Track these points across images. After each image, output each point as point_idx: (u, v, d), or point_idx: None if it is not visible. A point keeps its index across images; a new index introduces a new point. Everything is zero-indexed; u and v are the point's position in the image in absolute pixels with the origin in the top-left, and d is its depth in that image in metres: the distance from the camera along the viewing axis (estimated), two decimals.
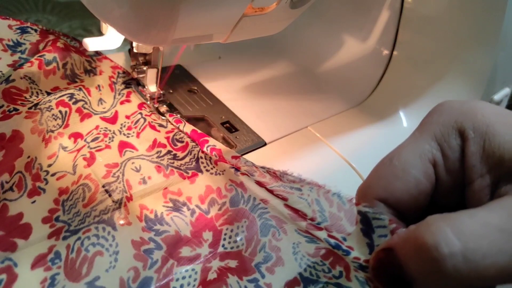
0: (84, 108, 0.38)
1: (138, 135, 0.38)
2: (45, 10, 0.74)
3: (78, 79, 0.41)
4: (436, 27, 0.49)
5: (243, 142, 0.41)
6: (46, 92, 0.38)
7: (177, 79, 0.49)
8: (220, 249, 0.30)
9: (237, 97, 0.49)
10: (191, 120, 0.43)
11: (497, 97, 0.55)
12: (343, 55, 0.57)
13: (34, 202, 0.31)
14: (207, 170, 0.34)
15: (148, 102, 0.42)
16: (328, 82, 0.56)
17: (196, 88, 0.48)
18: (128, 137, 0.38)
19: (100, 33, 0.40)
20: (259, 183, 0.31)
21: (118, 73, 0.43)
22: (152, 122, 0.39)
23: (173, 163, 0.36)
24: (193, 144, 0.37)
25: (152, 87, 0.43)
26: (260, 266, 0.28)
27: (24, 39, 0.40)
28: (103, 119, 0.39)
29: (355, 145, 0.46)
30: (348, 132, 0.48)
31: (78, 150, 0.35)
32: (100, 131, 0.37)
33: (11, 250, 0.27)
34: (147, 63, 0.42)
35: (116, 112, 0.40)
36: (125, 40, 0.40)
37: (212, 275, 0.28)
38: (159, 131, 0.39)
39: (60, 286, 0.25)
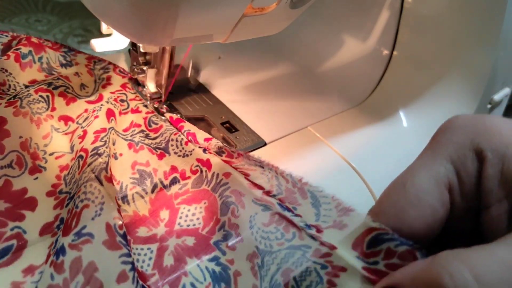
0: (67, 92, 0.39)
1: (120, 113, 0.39)
2: (45, 10, 0.74)
3: (55, 72, 0.41)
4: (436, 27, 0.49)
5: (243, 142, 0.41)
6: (24, 85, 0.38)
7: (177, 79, 0.49)
8: (176, 227, 0.31)
9: (237, 97, 0.49)
10: (191, 120, 0.43)
11: (497, 97, 0.55)
12: (343, 55, 0.57)
13: (36, 178, 0.32)
14: (175, 153, 0.35)
15: (148, 102, 0.42)
16: (328, 82, 0.56)
17: (196, 88, 0.48)
18: (114, 107, 0.39)
19: (100, 33, 0.40)
20: (225, 161, 0.32)
21: (94, 62, 0.43)
22: (135, 106, 0.40)
23: (144, 140, 0.37)
24: (167, 127, 0.37)
25: (152, 87, 0.43)
26: (220, 244, 0.29)
27: None
28: (89, 102, 0.39)
29: (355, 145, 0.46)
30: (348, 132, 0.47)
31: (73, 132, 0.36)
32: (90, 111, 0.38)
33: (20, 220, 0.29)
34: (147, 63, 0.42)
35: (101, 94, 0.40)
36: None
37: (169, 260, 0.28)
38: (140, 111, 0.40)
39: (58, 245, 0.26)
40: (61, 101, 0.38)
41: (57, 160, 0.34)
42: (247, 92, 0.51)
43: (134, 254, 0.28)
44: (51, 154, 0.34)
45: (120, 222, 0.27)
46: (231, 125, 0.44)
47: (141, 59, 0.42)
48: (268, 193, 0.28)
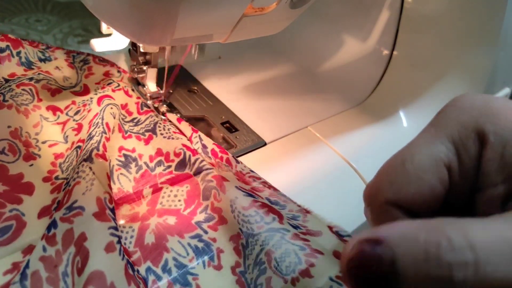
0: (51, 84, 0.39)
1: (113, 91, 0.40)
2: (45, 10, 0.74)
3: (34, 66, 0.41)
4: (436, 27, 0.49)
5: (243, 142, 0.41)
6: (4, 78, 0.39)
7: (177, 79, 0.49)
8: (158, 206, 0.32)
9: (237, 97, 0.49)
10: (191, 120, 0.43)
11: None
12: (343, 55, 0.57)
13: (31, 165, 0.32)
14: (161, 134, 0.37)
15: (148, 102, 0.42)
16: (328, 82, 0.56)
17: (196, 88, 0.48)
18: (104, 92, 0.39)
19: (100, 33, 0.40)
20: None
21: (73, 56, 0.44)
22: (125, 87, 0.41)
23: (132, 129, 0.38)
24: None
25: (152, 87, 0.43)
26: (202, 224, 0.30)
27: None
28: (75, 93, 0.40)
29: (355, 145, 0.46)
30: (348, 132, 0.47)
31: (64, 123, 0.37)
32: (79, 104, 0.39)
33: (18, 203, 0.29)
34: (147, 63, 0.42)
35: (85, 85, 0.41)
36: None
37: (150, 238, 0.29)
38: (130, 96, 0.40)
39: (51, 220, 0.27)
40: (46, 92, 0.38)
41: (51, 148, 0.35)
42: (247, 92, 0.51)
43: (118, 231, 0.29)
44: (43, 142, 0.35)
45: (109, 197, 0.28)
46: (231, 125, 0.44)
47: (141, 59, 0.42)
48: (254, 190, 0.29)
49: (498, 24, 0.47)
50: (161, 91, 0.43)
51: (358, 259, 0.14)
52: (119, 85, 0.41)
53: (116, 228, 0.26)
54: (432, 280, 0.13)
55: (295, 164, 0.41)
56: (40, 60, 0.42)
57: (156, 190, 0.33)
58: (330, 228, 0.24)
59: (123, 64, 0.46)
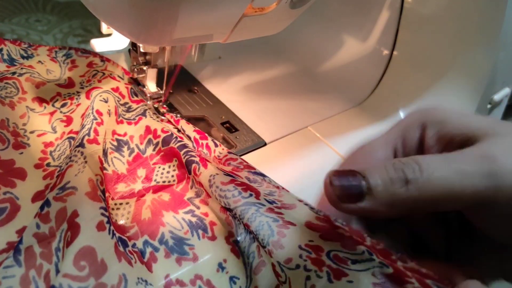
0: (34, 77, 0.39)
1: (100, 81, 0.40)
2: (45, 10, 0.74)
3: (16, 63, 0.41)
4: (436, 27, 0.49)
5: (243, 142, 0.41)
6: None
7: (177, 79, 0.48)
8: (153, 183, 0.33)
9: (237, 97, 0.49)
10: (191, 120, 0.43)
11: (497, 97, 0.55)
12: (343, 55, 0.57)
13: (21, 153, 0.33)
14: (150, 117, 0.38)
15: (148, 102, 0.42)
16: (328, 82, 0.56)
17: (196, 88, 0.48)
18: (91, 85, 0.40)
19: (100, 33, 0.40)
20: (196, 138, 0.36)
21: (55, 51, 0.44)
22: (111, 74, 0.41)
23: (124, 115, 0.38)
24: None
25: (152, 87, 0.43)
26: (193, 200, 0.32)
27: None
28: (60, 85, 0.40)
29: (355, 145, 0.46)
30: (348, 132, 0.48)
31: (51, 114, 0.37)
32: (65, 97, 0.39)
33: (11, 186, 0.29)
34: (147, 63, 0.42)
35: (69, 78, 0.41)
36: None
37: (146, 213, 0.30)
38: (119, 81, 0.41)
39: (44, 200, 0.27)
40: (30, 85, 0.38)
41: (40, 137, 0.35)
42: (247, 92, 0.51)
43: (113, 209, 0.30)
44: (31, 132, 0.35)
45: (101, 179, 0.29)
46: (231, 125, 0.44)
47: (141, 59, 0.42)
48: (234, 171, 0.31)
49: (498, 24, 0.47)
50: (161, 92, 0.43)
51: (338, 172, 0.21)
52: (104, 74, 0.41)
53: (105, 209, 0.27)
54: (392, 181, 0.19)
55: (295, 164, 0.41)
56: (23, 57, 0.42)
57: (150, 170, 0.34)
58: (300, 201, 0.25)
59: (123, 64, 0.46)
